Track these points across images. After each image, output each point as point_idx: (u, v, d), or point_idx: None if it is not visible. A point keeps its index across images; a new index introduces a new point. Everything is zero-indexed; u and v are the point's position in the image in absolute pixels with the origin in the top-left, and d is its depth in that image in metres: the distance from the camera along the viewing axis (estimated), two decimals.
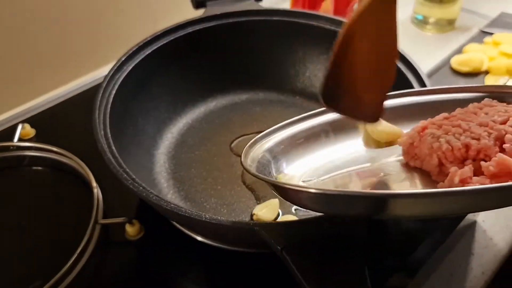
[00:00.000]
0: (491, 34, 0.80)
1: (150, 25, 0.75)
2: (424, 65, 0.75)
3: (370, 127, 0.41)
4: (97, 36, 0.70)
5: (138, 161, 0.51)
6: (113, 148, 0.43)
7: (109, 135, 0.45)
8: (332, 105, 0.36)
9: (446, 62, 0.75)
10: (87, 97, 0.66)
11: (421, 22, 0.85)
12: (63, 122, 0.62)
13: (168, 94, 0.58)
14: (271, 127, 0.56)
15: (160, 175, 0.53)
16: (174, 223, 0.48)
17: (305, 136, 0.44)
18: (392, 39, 0.36)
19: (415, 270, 0.46)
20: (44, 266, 0.45)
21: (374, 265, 0.37)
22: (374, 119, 0.38)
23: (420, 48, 0.80)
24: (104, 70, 0.72)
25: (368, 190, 0.35)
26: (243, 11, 0.59)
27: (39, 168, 0.56)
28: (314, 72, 0.61)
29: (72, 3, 0.65)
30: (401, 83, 0.50)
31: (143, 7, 0.73)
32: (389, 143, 0.40)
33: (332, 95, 0.35)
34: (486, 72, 0.73)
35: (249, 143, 0.42)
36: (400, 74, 0.51)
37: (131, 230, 0.48)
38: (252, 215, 0.47)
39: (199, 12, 0.60)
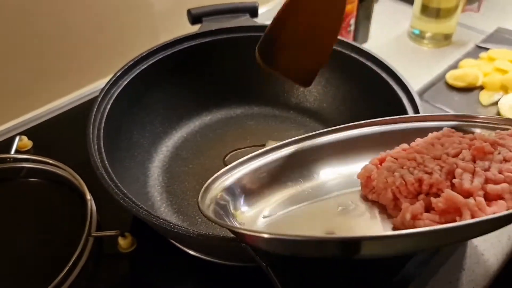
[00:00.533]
0: (487, 49, 0.81)
1: (150, 39, 0.77)
2: (419, 80, 0.75)
3: None
4: (96, 50, 0.71)
5: (132, 174, 0.51)
6: (106, 162, 0.44)
7: (103, 150, 0.46)
8: (266, 60, 0.40)
9: (441, 77, 0.76)
10: (84, 110, 0.67)
11: (418, 37, 0.86)
12: (60, 134, 0.63)
13: (163, 108, 0.59)
14: (264, 141, 0.57)
15: (154, 188, 0.54)
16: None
17: (268, 169, 0.43)
18: (335, 19, 0.39)
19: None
20: (37, 278, 0.46)
21: (360, 283, 0.37)
22: (305, 83, 0.42)
23: (417, 63, 0.80)
24: (102, 84, 0.73)
25: (315, 235, 0.33)
26: (238, 27, 0.60)
27: (36, 180, 0.56)
28: (308, 87, 0.61)
29: (72, 17, 0.66)
30: (393, 101, 0.50)
31: (143, 21, 0.75)
32: None
33: (269, 51, 0.39)
34: (481, 88, 0.74)
35: (209, 181, 0.40)
36: (391, 92, 0.51)
37: (124, 243, 0.48)
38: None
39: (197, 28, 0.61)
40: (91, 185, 0.52)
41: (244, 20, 0.61)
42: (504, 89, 0.72)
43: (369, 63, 0.55)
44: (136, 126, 0.55)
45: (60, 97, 0.71)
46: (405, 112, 0.48)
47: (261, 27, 0.60)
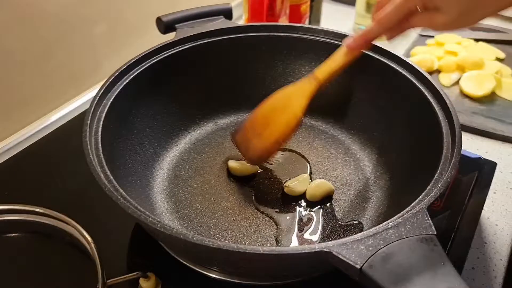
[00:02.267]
0: (430, 36, 0.85)
1: (95, 62, 0.69)
2: None
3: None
4: (44, 79, 0.62)
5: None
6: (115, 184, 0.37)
7: (108, 173, 0.39)
8: (232, 136, 0.51)
9: None
10: (49, 142, 0.59)
11: None
12: (27, 175, 0.53)
13: (149, 127, 0.52)
14: None
15: (162, 216, 0.47)
16: (197, 268, 0.42)
17: None
18: (288, 127, 0.48)
19: None
20: None
21: None
22: (252, 162, 0.51)
23: None
24: (56, 114, 0.64)
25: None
26: (216, 30, 0.56)
27: (17, 234, 0.46)
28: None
29: (14, 43, 0.56)
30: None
31: (88, 43, 0.66)
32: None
33: (237, 131, 0.51)
34: (438, 71, 0.77)
35: None
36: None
37: (147, 285, 0.41)
38: (283, 188, 0.49)
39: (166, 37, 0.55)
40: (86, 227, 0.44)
41: (220, 23, 0.57)
42: (460, 68, 0.76)
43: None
44: (127, 150, 0.48)
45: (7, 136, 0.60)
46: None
47: (240, 28, 0.57)
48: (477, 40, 0.82)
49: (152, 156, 0.52)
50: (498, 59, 0.78)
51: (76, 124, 0.61)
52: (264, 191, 0.50)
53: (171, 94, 0.55)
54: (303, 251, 0.32)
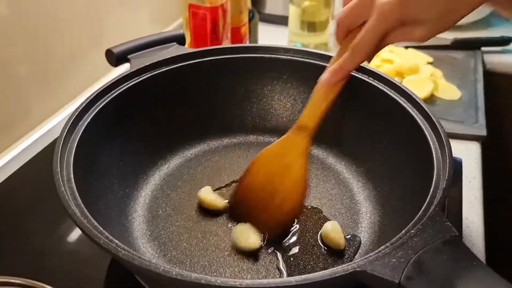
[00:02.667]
0: None
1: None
2: None
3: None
4: None
5: None
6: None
7: (97, 224, 0.34)
8: (233, 212, 0.47)
9: None
10: None
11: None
12: None
13: (115, 167, 0.48)
14: (241, 171, 0.51)
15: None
16: None
17: None
18: (299, 194, 0.44)
19: None
20: None
21: None
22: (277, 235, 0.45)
23: None
24: None
25: None
26: (173, 57, 0.53)
27: None
28: (261, 105, 0.57)
29: None
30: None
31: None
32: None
33: (235, 203, 0.47)
34: None
35: None
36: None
37: None
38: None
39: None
40: None
41: (175, 50, 0.54)
42: (399, 74, 0.80)
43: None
44: (99, 197, 0.43)
45: None
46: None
47: (199, 53, 0.55)
48: (406, 47, 0.87)
49: (124, 199, 0.47)
50: (428, 63, 0.83)
51: (18, 179, 0.55)
52: None
53: (132, 130, 0.51)
54: (337, 275, 0.30)
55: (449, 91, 0.76)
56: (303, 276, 0.30)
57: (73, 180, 0.38)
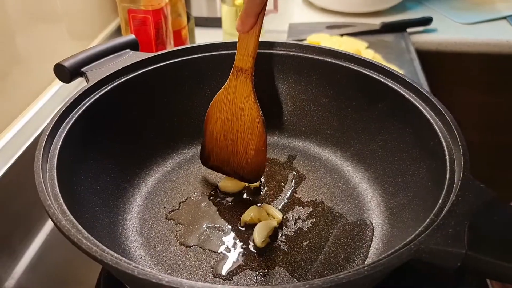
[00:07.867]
0: (303, 40, 0.89)
1: None
2: None
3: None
4: None
5: None
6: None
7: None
8: (205, 163, 0.49)
9: None
10: None
11: None
12: None
13: (94, 193, 0.42)
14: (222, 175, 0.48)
15: None
16: None
17: None
18: (257, 133, 0.45)
19: None
20: None
21: None
22: (250, 181, 0.47)
23: None
24: None
25: None
26: (130, 65, 0.48)
27: None
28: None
29: None
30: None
31: None
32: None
33: (205, 156, 0.49)
34: None
35: None
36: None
37: None
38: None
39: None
40: None
41: (131, 56, 0.49)
42: None
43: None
44: (91, 230, 0.37)
45: None
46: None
47: (159, 57, 0.50)
48: (341, 35, 0.89)
49: (111, 227, 0.41)
50: (366, 48, 0.85)
51: None
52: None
53: (102, 150, 0.45)
54: (402, 257, 0.28)
55: None
56: (374, 262, 0.28)
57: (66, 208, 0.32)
